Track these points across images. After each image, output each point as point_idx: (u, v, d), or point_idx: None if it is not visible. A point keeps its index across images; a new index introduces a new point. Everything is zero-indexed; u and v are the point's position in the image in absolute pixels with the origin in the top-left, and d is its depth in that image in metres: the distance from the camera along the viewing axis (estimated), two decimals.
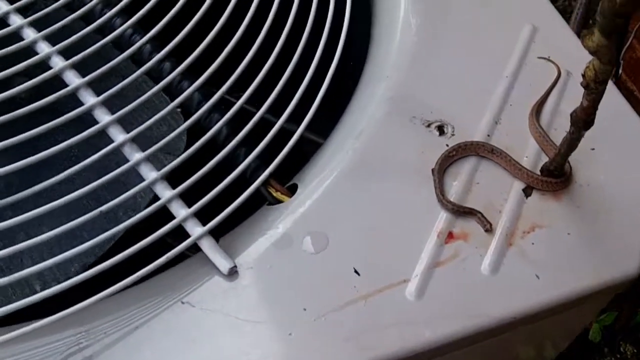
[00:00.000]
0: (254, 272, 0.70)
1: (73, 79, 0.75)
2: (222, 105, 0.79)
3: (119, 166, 0.72)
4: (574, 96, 0.81)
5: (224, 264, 0.69)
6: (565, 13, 1.77)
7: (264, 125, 0.78)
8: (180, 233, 0.71)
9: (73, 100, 0.74)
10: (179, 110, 0.79)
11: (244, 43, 0.81)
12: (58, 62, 0.76)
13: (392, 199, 0.75)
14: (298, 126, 0.79)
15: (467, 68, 0.87)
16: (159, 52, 0.78)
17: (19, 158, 0.70)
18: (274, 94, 0.79)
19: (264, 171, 0.76)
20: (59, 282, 0.68)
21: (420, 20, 0.90)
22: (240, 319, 0.67)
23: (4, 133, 0.70)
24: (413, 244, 0.72)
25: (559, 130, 0.79)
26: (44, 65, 0.76)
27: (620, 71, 1.54)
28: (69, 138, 0.71)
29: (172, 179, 0.73)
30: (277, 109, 0.79)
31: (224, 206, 0.72)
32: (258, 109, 0.78)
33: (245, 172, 0.76)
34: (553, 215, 0.75)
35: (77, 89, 0.74)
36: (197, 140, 0.75)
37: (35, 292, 0.68)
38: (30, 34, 0.77)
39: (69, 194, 0.69)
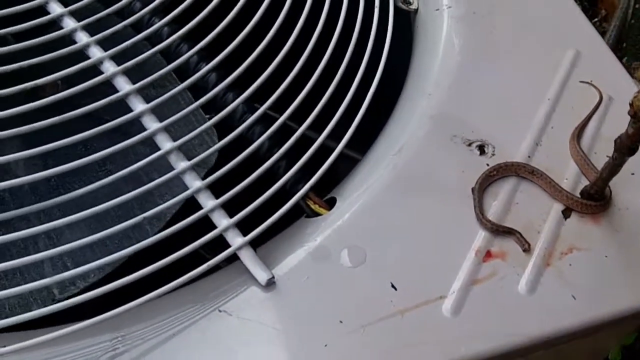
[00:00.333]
0: (291, 283, 0.70)
1: (124, 85, 0.76)
2: (262, 119, 0.80)
3: (149, 177, 0.73)
4: (615, 121, 0.82)
5: (262, 275, 0.70)
6: None
7: (303, 139, 0.79)
8: (211, 243, 0.71)
9: (112, 109, 0.75)
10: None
11: (287, 57, 0.82)
12: (109, 68, 0.77)
13: (431, 216, 0.75)
14: (336, 141, 0.80)
15: (509, 89, 0.87)
16: (205, 62, 0.79)
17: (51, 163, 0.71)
18: (316, 111, 0.80)
19: (303, 184, 0.77)
20: (77, 287, 0.70)
21: (463, 41, 0.91)
22: (277, 329, 0.67)
23: (42, 138, 0.71)
24: (451, 261, 0.72)
25: (599, 154, 0.80)
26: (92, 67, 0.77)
27: None
28: (103, 146, 0.72)
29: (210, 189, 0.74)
30: (317, 124, 0.80)
31: (261, 217, 0.73)
32: (297, 123, 0.79)
33: (285, 185, 0.77)
34: (591, 237, 0.75)
35: (127, 94, 0.75)
36: (237, 153, 0.75)
37: (54, 297, 0.70)
38: (82, 38, 0.78)
39: (95, 202, 0.70)
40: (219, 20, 0.81)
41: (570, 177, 0.79)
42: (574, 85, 0.87)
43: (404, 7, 0.97)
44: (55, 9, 0.80)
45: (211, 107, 0.80)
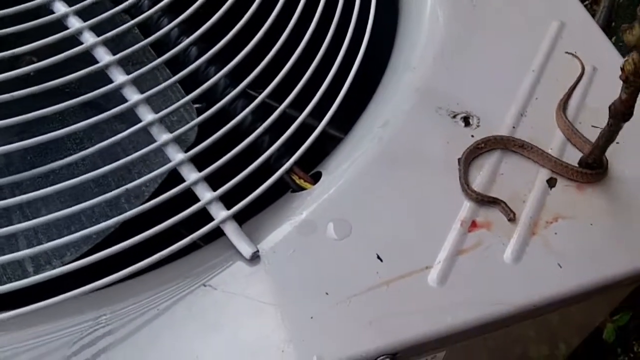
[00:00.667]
0: (276, 257, 0.70)
1: (104, 56, 0.75)
2: (246, 94, 0.80)
3: (126, 153, 0.72)
4: (599, 91, 0.83)
5: (246, 249, 0.69)
6: None
7: (287, 115, 0.79)
8: (196, 221, 0.71)
9: (90, 83, 0.74)
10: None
11: (270, 32, 0.81)
12: (89, 38, 0.76)
13: (416, 188, 0.75)
14: (321, 119, 0.80)
15: (493, 61, 0.87)
16: (187, 36, 0.79)
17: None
18: (299, 86, 0.79)
19: (287, 159, 0.77)
20: (53, 267, 0.68)
21: (447, 13, 0.90)
22: (263, 302, 0.67)
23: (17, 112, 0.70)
24: (436, 232, 0.72)
25: (584, 124, 0.80)
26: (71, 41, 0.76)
27: None
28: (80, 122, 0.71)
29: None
30: (302, 100, 0.80)
31: (246, 193, 0.73)
32: (282, 99, 0.78)
33: (269, 160, 0.76)
34: (576, 206, 0.75)
35: (108, 65, 0.74)
36: (219, 127, 0.75)
37: (28, 274, 0.69)
38: (61, 8, 0.77)
39: (72, 177, 0.68)
40: None
41: (555, 147, 0.79)
42: (559, 56, 0.87)
43: None
44: (60, 8, 0.78)
45: (192, 83, 0.79)
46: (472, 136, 0.79)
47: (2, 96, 0.68)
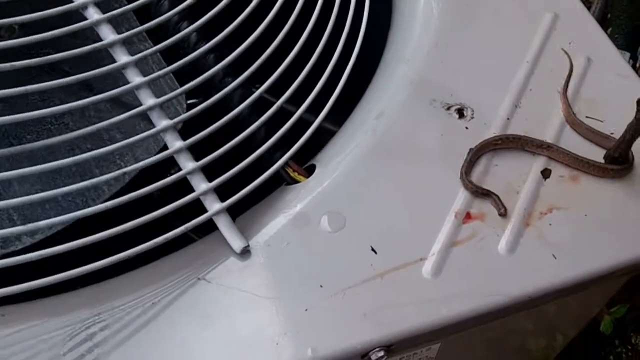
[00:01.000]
0: (271, 250, 0.70)
1: (108, 34, 0.73)
2: (243, 87, 0.79)
3: (110, 135, 0.71)
4: (593, 82, 0.82)
5: (237, 243, 0.69)
6: None
7: (282, 110, 0.78)
8: (182, 215, 0.70)
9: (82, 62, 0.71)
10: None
11: (271, 27, 0.81)
12: (94, 15, 0.73)
13: (410, 180, 0.75)
14: (317, 113, 0.80)
15: (487, 53, 0.87)
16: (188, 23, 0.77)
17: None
18: (295, 84, 0.79)
19: (281, 152, 0.76)
20: (23, 243, 0.67)
21: (441, 5, 0.90)
22: (257, 295, 0.67)
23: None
24: (430, 224, 0.72)
25: (579, 116, 0.80)
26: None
27: (638, 65, 1.54)
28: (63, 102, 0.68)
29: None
30: (299, 95, 0.80)
31: (239, 186, 0.72)
32: (273, 90, 0.78)
33: (264, 154, 0.76)
34: (570, 197, 0.75)
35: (112, 44, 0.72)
36: (215, 118, 0.74)
37: None
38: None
39: (50, 157, 0.66)
40: None
41: (550, 139, 0.78)
42: (553, 48, 0.87)
43: None
44: None
45: (186, 74, 0.78)
46: (467, 128, 0.79)
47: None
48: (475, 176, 0.75)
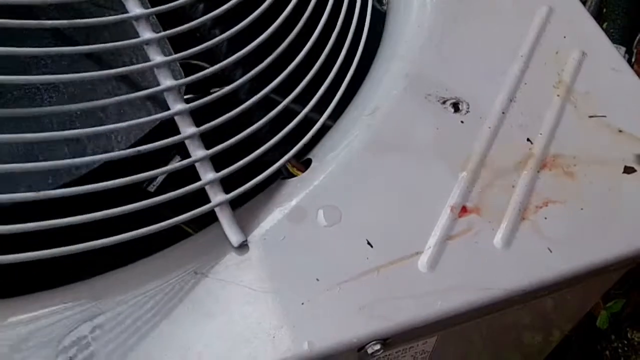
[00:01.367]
0: (267, 244, 0.70)
1: (133, 7, 0.70)
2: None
3: (104, 112, 0.69)
4: (588, 76, 0.83)
5: (235, 237, 0.69)
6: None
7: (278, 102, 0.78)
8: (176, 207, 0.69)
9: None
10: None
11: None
12: None
13: (406, 174, 0.75)
14: (316, 111, 0.80)
15: (482, 47, 0.87)
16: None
17: None
18: (303, 84, 0.78)
19: (280, 147, 0.76)
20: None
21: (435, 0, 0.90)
22: (254, 289, 0.67)
23: None
24: (426, 218, 0.72)
25: (576, 109, 0.80)
26: None
27: (633, 60, 1.54)
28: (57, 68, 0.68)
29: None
30: (291, 88, 0.79)
31: (237, 180, 0.72)
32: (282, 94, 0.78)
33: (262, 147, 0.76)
34: (566, 191, 0.75)
35: (138, 17, 0.70)
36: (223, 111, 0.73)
37: None
38: None
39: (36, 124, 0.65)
40: None
41: (545, 132, 0.79)
42: (547, 41, 0.87)
43: None
44: None
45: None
46: (462, 122, 0.79)
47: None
48: (472, 169, 0.75)
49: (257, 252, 0.69)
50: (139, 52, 0.75)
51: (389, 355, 0.72)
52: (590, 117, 0.80)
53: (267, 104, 0.77)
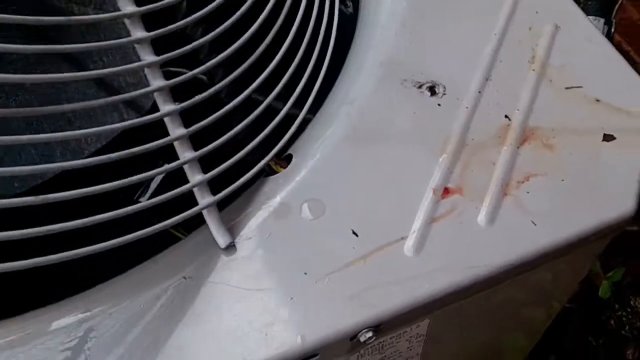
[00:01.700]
0: (253, 242, 0.70)
1: (125, 5, 0.68)
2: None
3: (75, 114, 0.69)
4: (562, 49, 0.83)
5: (222, 238, 0.69)
6: None
7: (258, 101, 0.78)
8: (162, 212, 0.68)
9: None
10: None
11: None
12: None
13: (386, 161, 0.75)
14: (296, 107, 0.80)
15: (455, 29, 0.87)
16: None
17: None
18: (283, 81, 0.78)
19: (263, 145, 0.76)
20: None
21: None
22: (243, 288, 0.67)
23: None
24: (409, 203, 0.72)
25: (553, 83, 0.80)
26: None
27: (612, 30, 1.53)
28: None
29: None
30: (269, 86, 0.79)
31: (221, 181, 0.72)
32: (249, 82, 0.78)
33: (245, 147, 0.76)
34: (546, 163, 0.75)
35: (131, 15, 0.67)
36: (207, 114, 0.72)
37: None
38: None
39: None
40: None
41: (522, 108, 0.79)
42: (520, 18, 0.87)
43: None
44: None
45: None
46: (439, 105, 0.79)
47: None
48: (452, 150, 0.75)
49: (244, 252, 0.70)
50: (116, 53, 0.75)
51: (384, 341, 0.72)
52: (567, 88, 0.81)
53: (245, 102, 0.77)
